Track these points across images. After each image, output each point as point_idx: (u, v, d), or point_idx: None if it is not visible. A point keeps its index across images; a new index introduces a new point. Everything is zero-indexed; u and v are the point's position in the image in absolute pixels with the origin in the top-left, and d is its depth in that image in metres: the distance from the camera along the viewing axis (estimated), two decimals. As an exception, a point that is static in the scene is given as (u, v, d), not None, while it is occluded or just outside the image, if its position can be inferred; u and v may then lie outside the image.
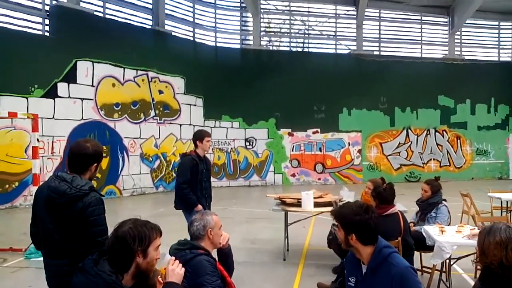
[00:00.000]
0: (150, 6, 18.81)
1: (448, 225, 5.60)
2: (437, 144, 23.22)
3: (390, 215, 4.79)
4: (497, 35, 25.30)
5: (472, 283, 5.84)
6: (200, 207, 5.60)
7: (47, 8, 14.96)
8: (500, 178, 23.35)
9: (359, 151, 22.48)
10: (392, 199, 4.99)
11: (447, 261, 4.70)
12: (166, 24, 19.32)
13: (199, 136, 5.88)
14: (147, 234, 2.44)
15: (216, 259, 3.20)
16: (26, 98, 13.82)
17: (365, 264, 2.78)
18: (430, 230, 5.02)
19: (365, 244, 2.75)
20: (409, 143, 23.01)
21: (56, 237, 2.86)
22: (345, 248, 2.90)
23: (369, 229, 2.74)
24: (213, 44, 21.80)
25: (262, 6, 22.61)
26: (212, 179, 21.45)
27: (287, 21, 23.39)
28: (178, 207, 5.86)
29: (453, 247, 4.58)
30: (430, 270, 5.27)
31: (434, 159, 23.14)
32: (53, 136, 14.33)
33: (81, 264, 2.52)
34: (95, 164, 3.04)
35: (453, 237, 4.74)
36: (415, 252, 5.19)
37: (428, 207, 5.88)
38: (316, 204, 6.66)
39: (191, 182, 5.64)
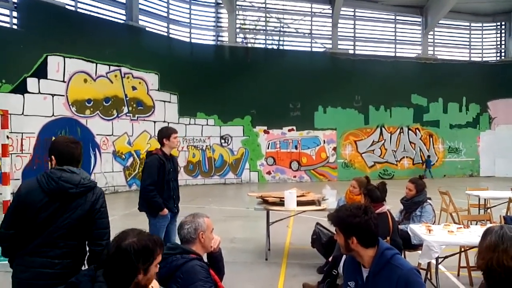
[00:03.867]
0: (124, 1, 18.41)
1: (433, 224, 5.58)
2: (410, 142, 23.58)
3: (380, 214, 4.70)
4: (468, 35, 25.83)
5: (455, 280, 5.85)
6: (166, 211, 5.26)
7: (14, 0, 14.39)
8: (471, 176, 23.86)
9: (334, 148, 22.60)
10: (384, 198, 4.92)
11: (434, 260, 4.64)
12: (140, 19, 18.94)
13: (165, 134, 5.44)
14: (152, 250, 2.27)
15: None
16: (-7, 93, 13.29)
17: (366, 267, 2.66)
18: (417, 229, 4.96)
19: (366, 247, 2.62)
20: (383, 141, 23.29)
21: (56, 233, 2.77)
22: (345, 253, 2.77)
23: (370, 230, 2.62)
24: (187, 40, 21.50)
25: (237, 3, 22.43)
26: (187, 177, 21.16)
27: (263, 19, 23.28)
28: (142, 210, 5.44)
29: (441, 246, 4.52)
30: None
31: (407, 157, 23.49)
32: (22, 133, 13.79)
33: (74, 279, 2.31)
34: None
35: (441, 236, 4.69)
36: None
37: (413, 205, 5.84)
38: (299, 203, 6.56)
39: (158, 183, 5.27)
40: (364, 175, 6.56)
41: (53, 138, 3.06)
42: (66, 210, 2.79)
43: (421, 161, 23.48)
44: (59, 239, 2.77)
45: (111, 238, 2.42)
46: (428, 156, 23.35)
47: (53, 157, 2.95)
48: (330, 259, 5.37)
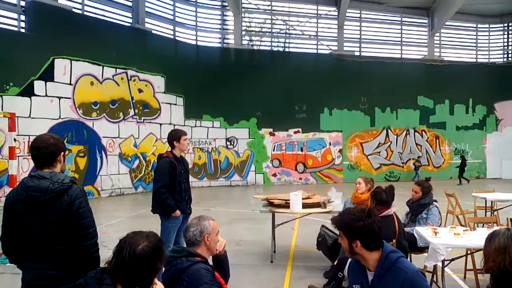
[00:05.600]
0: (130, 4, 18.48)
1: (439, 226, 5.55)
2: (416, 144, 23.51)
3: (386, 217, 4.70)
4: (474, 37, 25.72)
5: (462, 283, 5.83)
6: (178, 212, 5.35)
7: (22, 3, 14.50)
8: (478, 178, 23.73)
9: (340, 150, 22.56)
10: (391, 202, 4.91)
11: (440, 262, 4.61)
12: (146, 22, 19.01)
13: (175, 136, 5.53)
14: (162, 248, 2.37)
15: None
16: (1, 96, 13.40)
17: (371, 270, 2.65)
18: (423, 232, 4.95)
19: (371, 250, 2.61)
20: (389, 143, 23.23)
21: (43, 240, 2.73)
22: (350, 257, 2.76)
23: (374, 234, 2.61)
24: (193, 42, 21.56)
25: (243, 5, 22.45)
26: (193, 179, 21.10)
27: (269, 21, 23.30)
28: (155, 212, 5.55)
29: (447, 249, 4.50)
30: (421, 272, 5.20)
31: (413, 159, 23.36)
32: (29, 136, 13.85)
33: (83, 281, 2.34)
34: (62, 153, 2.95)
35: (447, 238, 4.67)
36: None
37: (419, 208, 5.81)
38: (305, 205, 6.54)
39: (170, 185, 5.36)
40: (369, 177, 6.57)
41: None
42: (44, 218, 2.73)
43: (427, 163, 23.31)
44: (50, 245, 2.74)
45: (116, 237, 2.44)
46: (419, 157, 23.22)
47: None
48: (335, 262, 5.36)
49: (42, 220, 2.73)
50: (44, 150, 2.84)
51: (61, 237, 2.75)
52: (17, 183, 2.91)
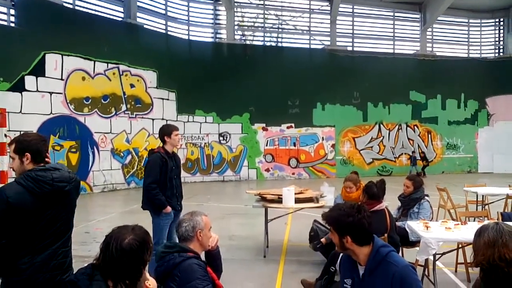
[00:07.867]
0: (122, -2, 18.36)
1: (431, 220, 5.59)
2: (409, 139, 23.62)
3: (377, 211, 4.73)
4: (466, 32, 25.83)
5: (453, 277, 5.88)
6: (169, 209, 5.25)
7: (12, -3, 14.36)
8: (469, 172, 23.91)
9: (333, 145, 22.62)
10: (382, 196, 4.93)
11: (432, 256, 4.66)
12: (138, 17, 18.90)
13: (167, 131, 5.45)
14: (148, 241, 2.38)
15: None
16: (-9, 91, 13.27)
17: (362, 265, 2.67)
18: (415, 226, 4.98)
19: (361, 245, 2.64)
20: (381, 137, 23.32)
21: (61, 228, 2.82)
22: (341, 252, 2.79)
23: (363, 229, 2.64)
24: (186, 37, 21.47)
25: (235, 0, 22.38)
26: (185, 174, 21.05)
27: (261, 16, 23.25)
28: (145, 208, 5.42)
29: (438, 243, 4.54)
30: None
31: (405, 153, 23.49)
32: (20, 131, 13.73)
33: (74, 278, 2.33)
34: None
35: (438, 232, 4.71)
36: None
37: (411, 202, 5.85)
38: (297, 200, 6.57)
39: (161, 181, 5.25)
40: (351, 172, 6.57)
41: (28, 136, 2.84)
42: (64, 206, 2.83)
43: (419, 158, 23.36)
44: (62, 234, 2.82)
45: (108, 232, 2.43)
46: (413, 152, 23.25)
47: (28, 155, 2.79)
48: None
49: (64, 209, 2.83)
50: (44, 147, 2.91)
51: (71, 222, 2.93)
52: (13, 181, 2.82)
